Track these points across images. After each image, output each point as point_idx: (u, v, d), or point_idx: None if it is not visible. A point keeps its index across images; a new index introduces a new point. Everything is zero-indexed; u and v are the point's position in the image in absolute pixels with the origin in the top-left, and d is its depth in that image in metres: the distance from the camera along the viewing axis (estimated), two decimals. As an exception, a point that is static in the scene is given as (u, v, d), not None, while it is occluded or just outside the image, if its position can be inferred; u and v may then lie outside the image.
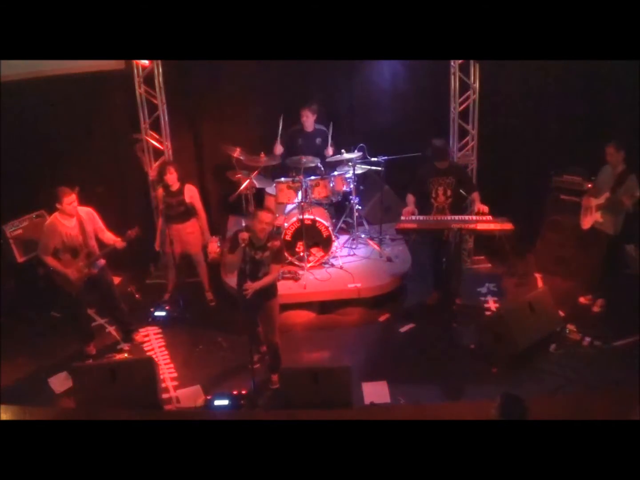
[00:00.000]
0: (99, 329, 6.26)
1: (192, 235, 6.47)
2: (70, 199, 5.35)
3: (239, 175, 6.93)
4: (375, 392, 5.08)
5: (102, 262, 5.74)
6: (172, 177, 6.20)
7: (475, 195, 6.04)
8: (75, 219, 5.47)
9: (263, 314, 5.22)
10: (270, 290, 5.16)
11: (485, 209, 5.81)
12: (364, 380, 5.22)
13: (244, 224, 4.93)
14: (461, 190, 6.17)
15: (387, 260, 6.91)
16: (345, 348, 5.90)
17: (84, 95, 6.68)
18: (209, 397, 5.13)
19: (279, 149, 6.94)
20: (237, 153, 6.83)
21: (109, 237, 5.63)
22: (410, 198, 6.12)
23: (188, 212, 6.38)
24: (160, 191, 6.33)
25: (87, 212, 5.59)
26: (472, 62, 6.68)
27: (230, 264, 5.08)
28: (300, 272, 6.63)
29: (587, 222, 6.05)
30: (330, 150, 6.94)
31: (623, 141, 5.75)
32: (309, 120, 6.86)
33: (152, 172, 6.91)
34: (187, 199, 6.31)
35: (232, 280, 5.69)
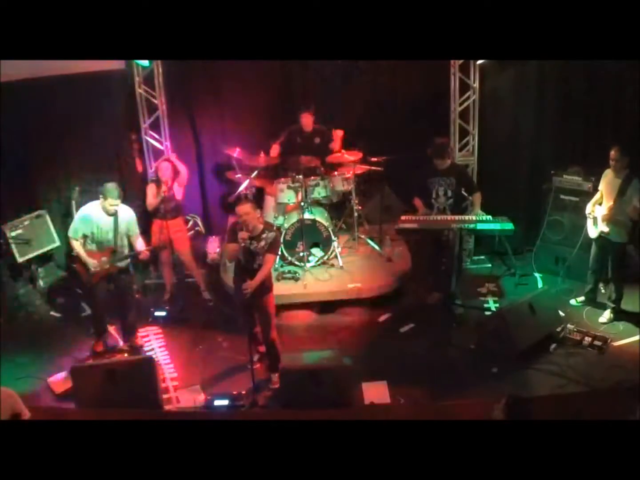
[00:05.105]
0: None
1: (179, 233, 6.52)
2: (113, 202, 5.38)
3: (238, 175, 6.94)
4: (375, 392, 5.07)
5: (126, 263, 5.73)
6: (164, 173, 6.26)
7: (476, 198, 6.02)
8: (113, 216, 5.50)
9: (260, 311, 5.22)
10: (265, 285, 5.15)
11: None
12: (364, 380, 5.21)
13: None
14: (463, 191, 6.17)
15: (387, 260, 6.91)
16: (345, 348, 5.90)
17: (84, 95, 6.67)
18: (209, 397, 5.13)
19: (274, 150, 6.95)
20: (237, 153, 6.83)
21: (140, 243, 5.67)
22: (417, 202, 6.08)
23: (177, 209, 6.43)
24: (152, 188, 6.33)
25: (127, 213, 5.62)
26: (472, 62, 6.69)
27: (230, 253, 5.15)
28: (300, 272, 6.63)
29: (594, 232, 5.86)
30: (337, 145, 6.95)
31: (626, 144, 5.65)
32: (307, 122, 6.87)
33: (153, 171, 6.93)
34: (177, 196, 6.38)
35: (230, 279, 5.69)
